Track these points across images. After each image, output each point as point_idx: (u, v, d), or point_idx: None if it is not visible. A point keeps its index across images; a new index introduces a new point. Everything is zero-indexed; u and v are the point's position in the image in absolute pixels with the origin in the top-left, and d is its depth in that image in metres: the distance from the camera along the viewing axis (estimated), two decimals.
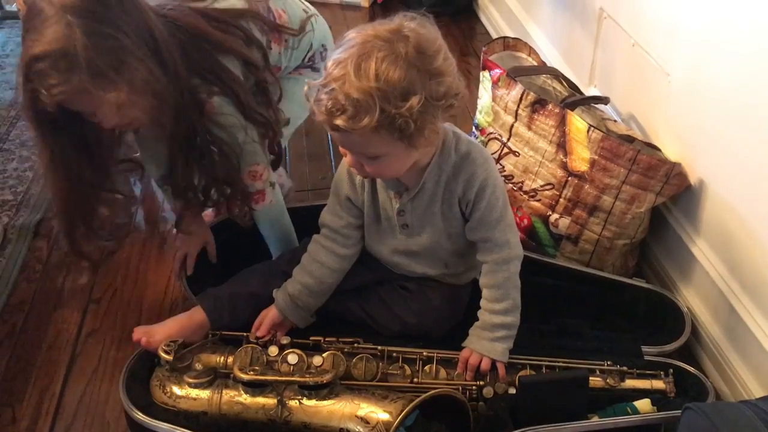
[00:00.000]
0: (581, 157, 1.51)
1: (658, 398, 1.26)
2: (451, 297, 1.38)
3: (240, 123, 1.31)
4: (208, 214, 1.60)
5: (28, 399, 1.37)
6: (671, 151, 1.51)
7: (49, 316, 1.56)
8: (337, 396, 1.19)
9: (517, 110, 1.61)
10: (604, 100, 1.69)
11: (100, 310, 1.57)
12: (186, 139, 1.26)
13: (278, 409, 1.19)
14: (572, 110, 1.55)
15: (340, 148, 1.16)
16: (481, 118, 1.73)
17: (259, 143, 1.36)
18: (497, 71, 1.66)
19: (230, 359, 1.28)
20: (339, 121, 1.03)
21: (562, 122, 1.53)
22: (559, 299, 1.49)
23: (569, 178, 1.53)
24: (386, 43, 1.03)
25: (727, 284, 1.36)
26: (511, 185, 1.63)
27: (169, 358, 1.24)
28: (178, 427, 1.18)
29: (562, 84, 1.75)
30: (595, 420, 1.21)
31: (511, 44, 1.83)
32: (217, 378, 1.23)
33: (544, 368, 1.29)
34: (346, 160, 1.16)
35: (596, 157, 1.48)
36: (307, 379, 1.19)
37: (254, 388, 1.20)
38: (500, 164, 1.66)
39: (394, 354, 1.29)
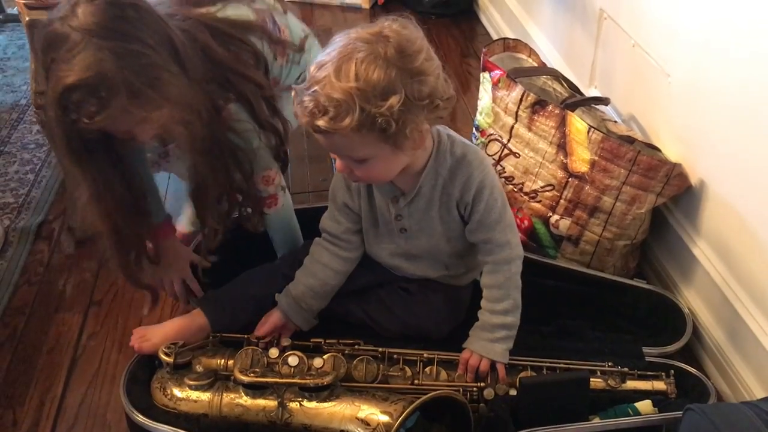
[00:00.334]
0: (582, 158, 1.51)
1: (659, 399, 1.26)
2: (452, 298, 1.38)
3: (255, 128, 1.32)
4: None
5: (29, 402, 1.38)
6: (672, 152, 1.51)
7: (50, 318, 1.56)
8: (337, 398, 1.19)
9: (517, 111, 1.61)
10: (604, 101, 1.69)
11: (101, 312, 1.58)
12: (210, 147, 1.25)
13: (279, 411, 1.19)
14: (572, 111, 1.55)
15: (330, 153, 1.16)
16: (481, 119, 1.74)
17: (271, 149, 1.37)
18: (497, 72, 1.66)
19: (231, 361, 1.27)
20: (321, 122, 1.04)
21: (562, 123, 1.53)
22: (559, 300, 1.49)
23: (570, 179, 1.53)
24: (367, 44, 1.04)
25: (728, 285, 1.36)
26: (511, 186, 1.63)
27: (170, 360, 1.24)
28: (179, 429, 1.18)
29: (562, 85, 1.75)
30: (596, 421, 1.21)
31: (511, 45, 1.83)
32: (217, 380, 1.24)
33: (545, 369, 1.29)
34: (337, 165, 1.16)
35: (596, 158, 1.48)
36: (308, 381, 1.19)
37: (255, 390, 1.20)
38: (500, 165, 1.66)
39: (395, 355, 1.30)
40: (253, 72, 1.31)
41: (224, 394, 1.21)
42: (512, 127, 1.63)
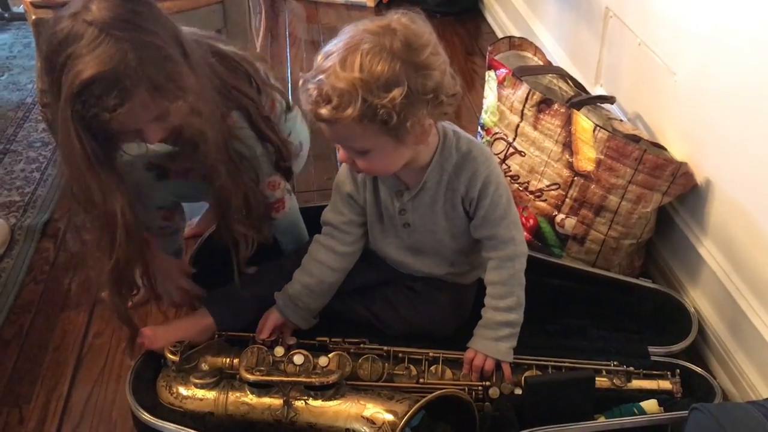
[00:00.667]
0: (587, 156, 1.50)
1: (664, 399, 1.26)
2: (457, 297, 1.38)
3: (255, 137, 1.32)
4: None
5: (36, 400, 1.38)
6: (677, 151, 1.51)
7: (56, 316, 1.57)
8: (342, 396, 1.19)
9: (522, 110, 1.61)
10: (610, 100, 1.68)
11: (107, 311, 1.57)
12: (224, 153, 1.25)
13: (284, 409, 1.19)
14: (578, 110, 1.55)
15: (333, 144, 1.17)
16: (486, 117, 1.73)
17: (271, 158, 1.37)
18: (503, 71, 1.66)
19: (236, 360, 1.28)
20: (324, 111, 1.05)
21: (568, 122, 1.53)
22: (565, 299, 1.49)
23: (575, 178, 1.53)
24: (374, 37, 1.05)
25: (734, 284, 1.35)
26: (516, 185, 1.62)
27: (176, 358, 1.24)
28: (185, 428, 1.18)
29: (567, 83, 1.75)
30: (602, 420, 1.21)
31: (516, 44, 1.82)
32: (223, 379, 1.24)
33: (550, 369, 1.29)
34: (339, 155, 1.17)
35: (602, 157, 1.48)
36: (313, 380, 1.19)
37: (260, 388, 1.21)
38: (506, 164, 1.65)
39: (400, 354, 1.30)
40: (249, 89, 1.32)
41: (230, 393, 1.22)
42: (518, 126, 1.63)
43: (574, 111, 1.53)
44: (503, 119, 1.67)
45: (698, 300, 1.47)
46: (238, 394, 1.21)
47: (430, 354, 1.30)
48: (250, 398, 1.21)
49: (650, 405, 1.24)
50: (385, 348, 1.30)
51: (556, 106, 1.55)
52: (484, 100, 1.75)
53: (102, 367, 1.45)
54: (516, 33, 2.49)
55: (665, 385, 1.29)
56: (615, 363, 1.31)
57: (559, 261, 1.57)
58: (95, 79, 1.02)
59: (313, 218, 1.42)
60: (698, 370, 1.34)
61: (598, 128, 1.48)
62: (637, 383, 1.29)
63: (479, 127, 1.78)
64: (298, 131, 1.54)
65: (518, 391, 1.25)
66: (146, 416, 1.20)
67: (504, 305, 1.26)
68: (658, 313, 1.47)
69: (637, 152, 1.45)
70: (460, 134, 1.24)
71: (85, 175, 1.13)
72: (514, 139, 1.64)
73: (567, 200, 1.55)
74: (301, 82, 1.10)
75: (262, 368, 1.23)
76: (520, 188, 1.62)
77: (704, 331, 1.44)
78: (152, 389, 1.27)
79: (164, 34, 1.10)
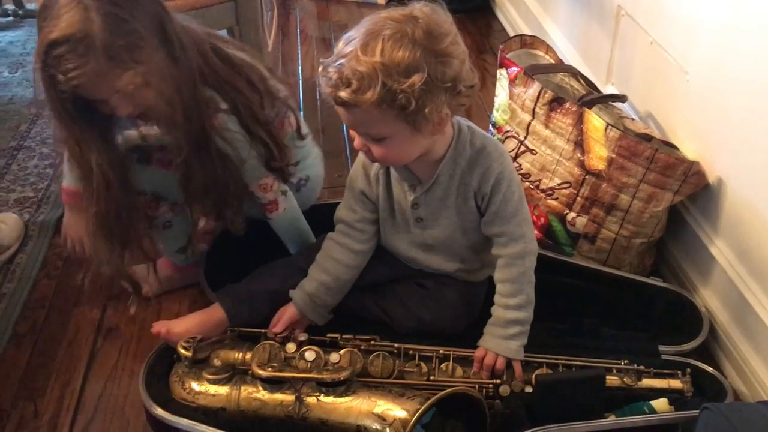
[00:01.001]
0: (599, 155, 1.50)
1: (675, 398, 1.26)
2: (468, 295, 1.38)
3: (246, 139, 1.34)
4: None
5: (50, 394, 1.39)
6: (689, 150, 1.51)
7: (69, 312, 1.58)
8: (354, 393, 1.19)
9: (534, 108, 1.61)
10: (621, 99, 1.68)
11: (120, 306, 1.59)
12: (199, 142, 1.27)
13: (296, 405, 1.20)
14: (590, 108, 1.55)
15: (350, 132, 1.18)
16: (498, 116, 1.73)
17: (261, 159, 1.38)
18: (514, 69, 1.66)
19: (248, 356, 1.28)
20: (343, 94, 1.06)
21: (579, 120, 1.53)
22: (575, 298, 1.49)
23: (587, 177, 1.53)
24: (396, 24, 1.06)
25: (745, 283, 1.35)
26: (528, 183, 1.63)
27: (188, 354, 1.25)
28: (198, 423, 1.19)
29: (579, 82, 1.75)
30: (612, 419, 1.21)
31: (528, 42, 1.82)
32: (235, 374, 1.24)
33: (560, 367, 1.29)
34: (355, 143, 1.17)
35: (614, 156, 1.48)
36: (325, 376, 1.20)
37: (272, 384, 1.21)
38: (517, 162, 1.65)
39: (411, 351, 1.30)
40: (245, 87, 1.33)
41: (242, 388, 1.22)
42: (529, 124, 1.63)
43: (586, 109, 1.53)
44: (515, 117, 1.67)
45: (709, 299, 1.47)
46: (250, 390, 1.22)
47: (441, 351, 1.30)
48: (262, 394, 1.21)
49: (661, 404, 1.24)
50: (396, 345, 1.30)
51: (567, 104, 1.55)
52: (496, 99, 1.75)
53: (115, 362, 1.46)
54: (527, 31, 2.49)
55: (676, 384, 1.29)
56: (625, 362, 1.31)
57: (570, 259, 1.57)
58: (58, 41, 1.10)
59: (324, 215, 1.42)
60: (709, 369, 1.34)
61: (609, 127, 1.48)
62: (647, 382, 1.29)
63: (490, 125, 1.78)
64: (308, 165, 1.56)
65: (529, 389, 1.25)
66: (160, 412, 1.21)
67: (514, 303, 1.26)
68: (668, 312, 1.47)
69: (649, 151, 1.44)
70: (474, 130, 1.25)
71: (60, 122, 1.22)
72: (525, 138, 1.64)
73: (578, 199, 1.55)
74: (320, 68, 1.11)
75: (274, 364, 1.24)
76: (532, 186, 1.62)
77: (715, 331, 1.43)
78: (165, 384, 1.27)
79: (140, 13, 1.14)
